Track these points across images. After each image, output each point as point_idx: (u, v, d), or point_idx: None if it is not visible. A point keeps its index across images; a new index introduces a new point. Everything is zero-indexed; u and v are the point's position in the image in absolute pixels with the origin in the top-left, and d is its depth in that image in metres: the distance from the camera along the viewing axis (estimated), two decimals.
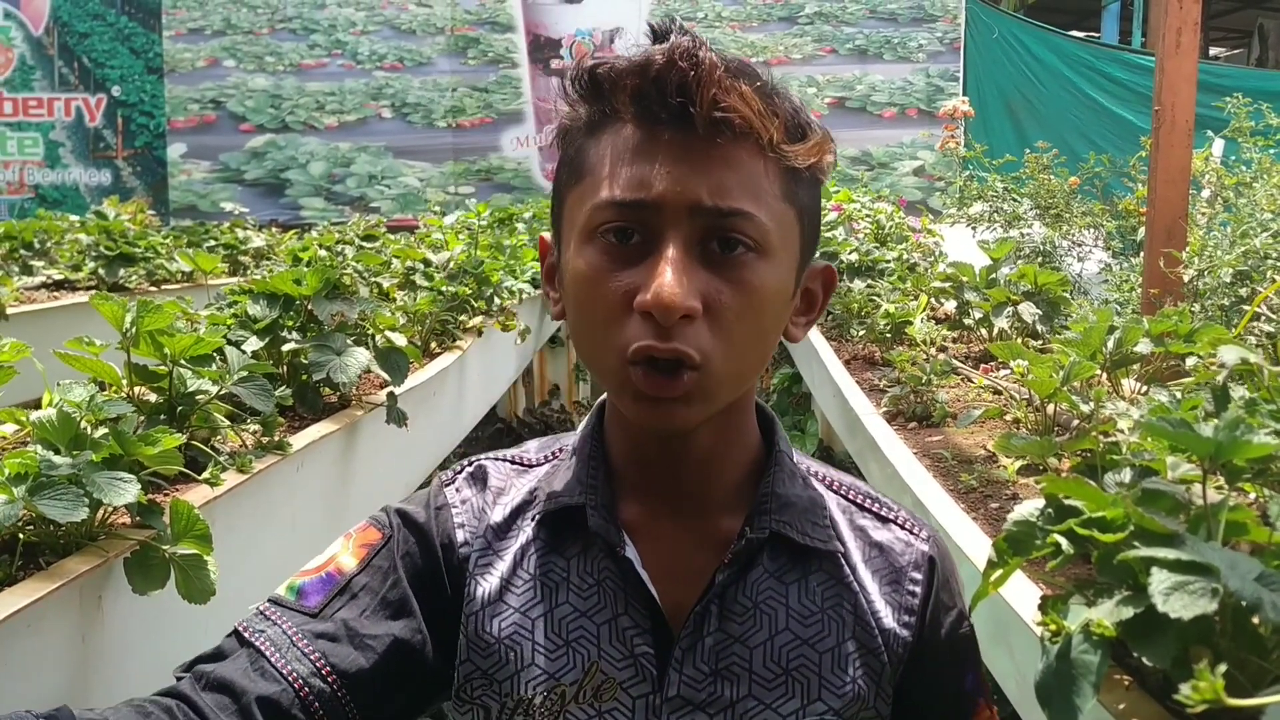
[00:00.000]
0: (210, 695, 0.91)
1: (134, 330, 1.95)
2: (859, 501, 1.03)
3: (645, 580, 0.93)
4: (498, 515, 1.01)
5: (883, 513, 1.02)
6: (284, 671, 0.92)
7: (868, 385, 3.30)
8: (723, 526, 0.97)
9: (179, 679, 0.93)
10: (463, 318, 3.68)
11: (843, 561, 0.98)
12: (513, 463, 1.06)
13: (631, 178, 0.86)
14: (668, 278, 0.83)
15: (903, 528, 1.02)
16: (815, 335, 4.36)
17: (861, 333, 3.99)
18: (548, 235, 1.01)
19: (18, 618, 1.25)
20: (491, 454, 1.08)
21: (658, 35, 0.88)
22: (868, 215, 6.09)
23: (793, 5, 11.69)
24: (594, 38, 11.62)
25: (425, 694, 1.00)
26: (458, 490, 1.03)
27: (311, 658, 0.93)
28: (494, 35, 11.80)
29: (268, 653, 0.93)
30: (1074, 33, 12.93)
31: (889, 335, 3.75)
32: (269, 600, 0.98)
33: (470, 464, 1.06)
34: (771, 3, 11.73)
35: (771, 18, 11.72)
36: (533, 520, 1.00)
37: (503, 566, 0.99)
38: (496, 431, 6.99)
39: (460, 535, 1.00)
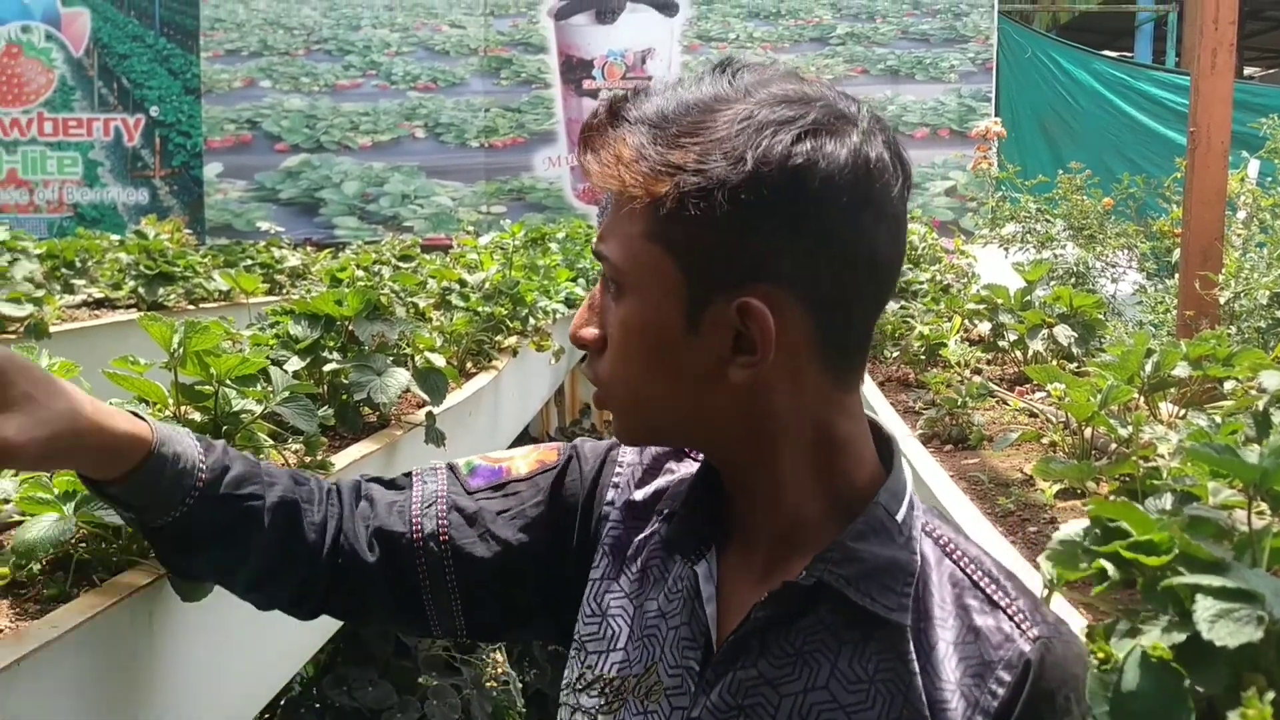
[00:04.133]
0: (361, 503, 1.12)
1: (181, 350, 1.98)
2: (974, 577, 0.94)
3: (704, 596, 0.96)
4: (639, 494, 1.08)
5: (995, 595, 0.93)
6: (414, 521, 1.09)
7: (902, 407, 3.30)
8: (794, 565, 0.95)
9: (355, 481, 1.16)
10: (498, 338, 3.71)
11: (908, 636, 0.91)
12: (692, 456, 1.10)
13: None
14: (579, 312, 0.97)
15: (1011, 618, 0.91)
16: None
17: (895, 354, 3.99)
18: None
19: (74, 633, 1.28)
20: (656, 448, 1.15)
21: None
22: None
23: (824, 26, 11.72)
24: (626, 59, 11.68)
25: (517, 617, 1.13)
26: (628, 456, 1.12)
27: (440, 523, 1.09)
28: (527, 56, 11.88)
29: (414, 499, 1.11)
30: (1107, 52, 12.89)
31: (923, 357, 3.75)
32: (449, 463, 1.15)
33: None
34: (803, 24, 11.76)
35: (803, 39, 11.75)
36: (660, 514, 1.05)
37: (628, 549, 1.06)
38: None
39: (609, 494, 1.09)
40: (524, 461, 1.13)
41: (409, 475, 1.15)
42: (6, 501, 1.66)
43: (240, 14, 12.06)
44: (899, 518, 0.94)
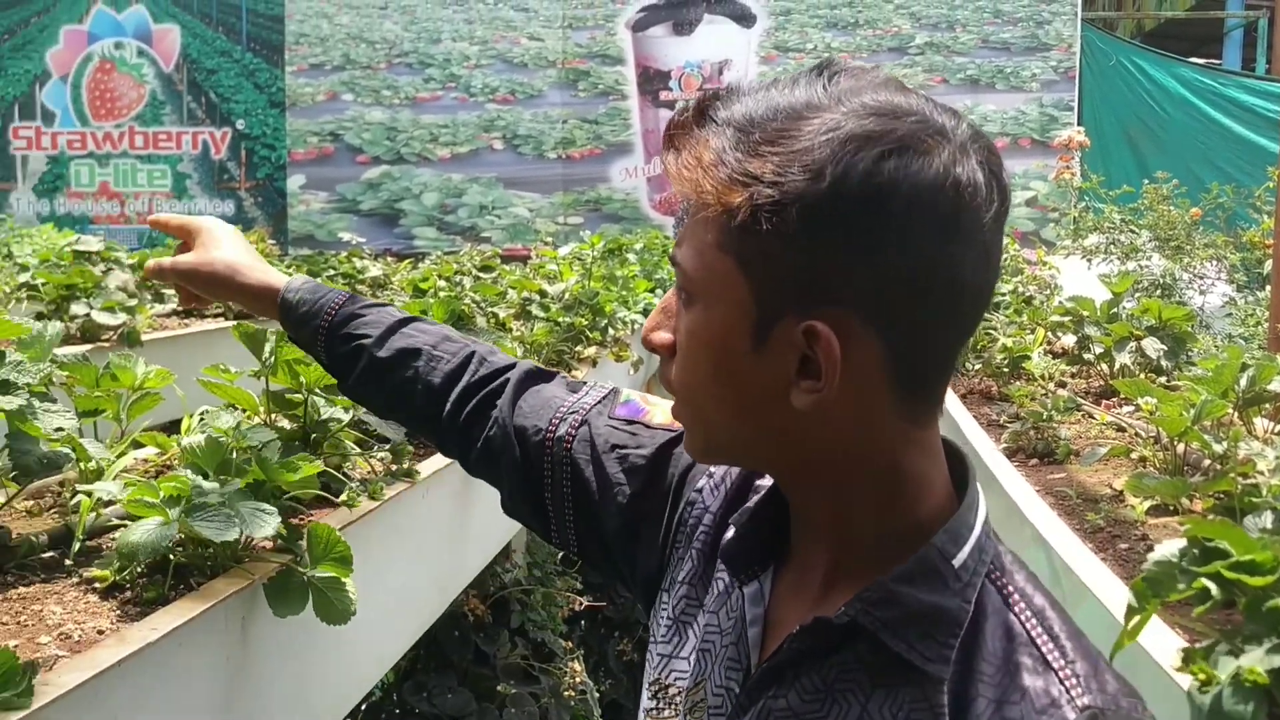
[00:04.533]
0: (532, 383, 1.25)
1: (273, 359, 2.02)
2: (1033, 634, 0.87)
3: (749, 618, 0.95)
4: (716, 502, 1.07)
5: (1050, 655, 0.85)
6: (553, 420, 1.19)
7: (985, 420, 3.26)
8: (844, 596, 0.90)
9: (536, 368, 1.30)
10: (578, 348, 3.73)
11: (944, 689, 0.84)
12: None
13: None
14: (651, 315, 0.97)
15: (1062, 682, 0.84)
16: None
17: (977, 366, 3.94)
18: None
19: (172, 636, 1.31)
20: None
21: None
22: None
23: (903, 36, 11.64)
24: (703, 70, 11.71)
25: (605, 556, 1.18)
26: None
27: (569, 430, 1.18)
28: (604, 68, 11.96)
29: (566, 402, 1.20)
30: (1194, 59, 12.64)
31: (1006, 370, 3.70)
32: (615, 387, 1.23)
33: None
34: (881, 33, 11.70)
35: (881, 48, 11.68)
36: (733, 526, 1.02)
37: (702, 557, 1.06)
38: None
39: (700, 481, 1.09)
40: (661, 414, 1.16)
41: (583, 383, 1.26)
42: (108, 504, 1.70)
43: (324, 29, 12.29)
44: (956, 562, 0.87)
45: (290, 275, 1.52)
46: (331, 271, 6.69)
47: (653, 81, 11.85)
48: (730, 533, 1.01)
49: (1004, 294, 4.96)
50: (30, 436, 1.59)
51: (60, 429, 1.57)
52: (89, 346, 3.81)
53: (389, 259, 8.77)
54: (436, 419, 1.30)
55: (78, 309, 3.98)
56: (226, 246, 1.49)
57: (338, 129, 12.25)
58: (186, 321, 5.04)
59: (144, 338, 4.13)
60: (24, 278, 4.41)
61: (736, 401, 0.89)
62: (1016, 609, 0.88)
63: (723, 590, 1.00)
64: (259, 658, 1.58)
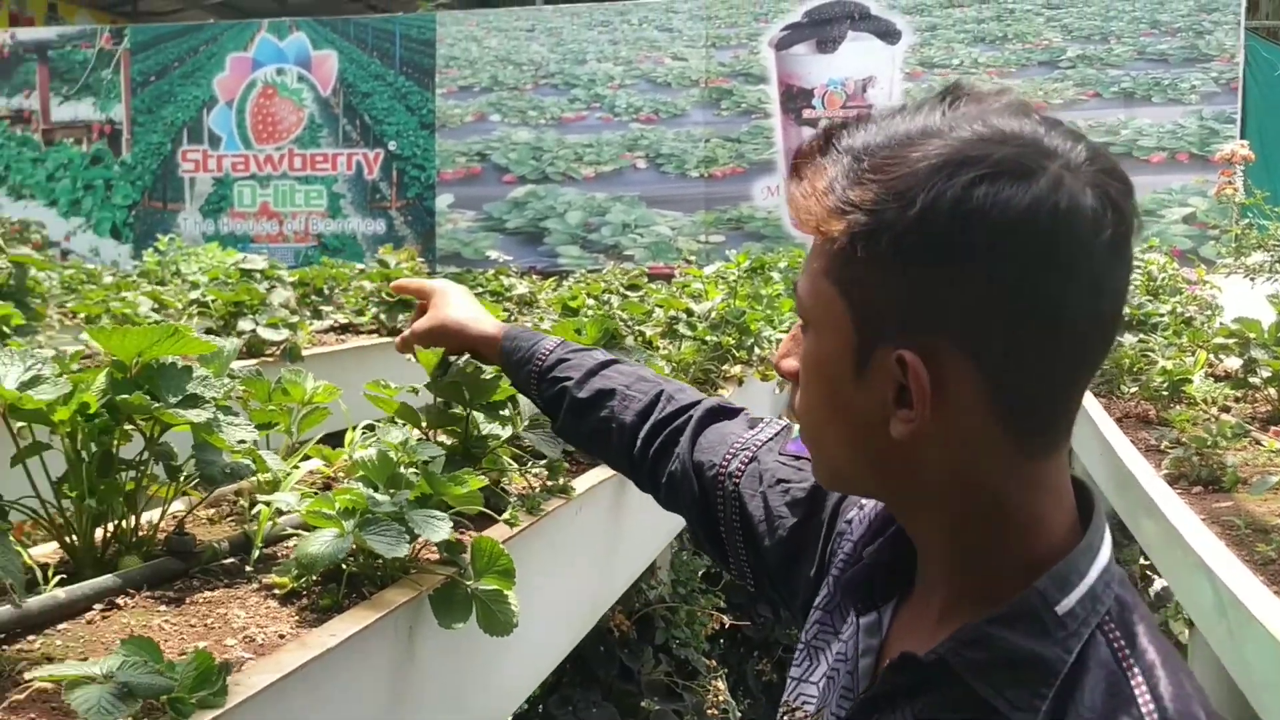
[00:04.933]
0: (707, 433, 1.32)
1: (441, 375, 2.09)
2: (1139, 697, 0.81)
3: (863, 648, 0.96)
4: (859, 532, 1.08)
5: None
6: (727, 454, 1.26)
7: (1144, 445, 3.17)
8: (947, 633, 0.88)
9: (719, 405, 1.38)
10: (724, 366, 3.75)
11: None
12: None
13: None
14: (782, 343, 0.99)
15: None
16: None
17: (1134, 390, 3.83)
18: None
19: (348, 642, 1.37)
20: None
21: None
22: (1138, 266, 5.84)
23: (1054, 49, 11.36)
24: (846, 87, 11.62)
25: (773, 586, 1.22)
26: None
27: (739, 465, 1.24)
28: (747, 87, 11.97)
29: (738, 441, 1.27)
30: None
31: (1165, 393, 3.59)
32: (790, 423, 1.23)
33: None
34: (1031, 47, 11.44)
35: (1031, 62, 11.42)
36: (864, 557, 1.04)
37: (838, 585, 1.06)
38: None
39: (851, 512, 1.11)
40: None
41: (762, 419, 1.32)
42: (282, 514, 1.78)
43: (473, 52, 12.59)
44: (1060, 608, 0.82)
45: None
46: (479, 289, 6.85)
47: (796, 100, 11.81)
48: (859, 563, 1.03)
49: (1163, 314, 4.81)
50: (215, 448, 1.68)
51: (243, 441, 1.65)
52: (254, 361, 3.98)
53: (534, 276, 8.93)
54: (629, 455, 1.40)
55: (244, 325, 4.17)
56: (455, 305, 1.76)
57: (485, 149, 12.52)
58: (343, 337, 5.22)
59: (304, 352, 4.31)
60: (195, 295, 4.63)
61: (847, 429, 0.90)
62: (1125, 665, 0.82)
63: (853, 619, 1.01)
64: (423, 666, 1.63)
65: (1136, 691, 0.80)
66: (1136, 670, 0.82)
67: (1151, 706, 0.79)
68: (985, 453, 0.85)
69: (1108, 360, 4.27)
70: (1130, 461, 2.96)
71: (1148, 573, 4.95)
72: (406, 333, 1.83)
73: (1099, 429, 3.52)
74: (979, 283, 0.80)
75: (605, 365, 1.52)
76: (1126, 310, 4.89)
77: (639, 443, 1.40)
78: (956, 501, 0.87)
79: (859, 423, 0.88)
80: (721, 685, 3.81)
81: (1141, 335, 4.49)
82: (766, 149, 11.87)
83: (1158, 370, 3.67)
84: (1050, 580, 0.83)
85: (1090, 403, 3.96)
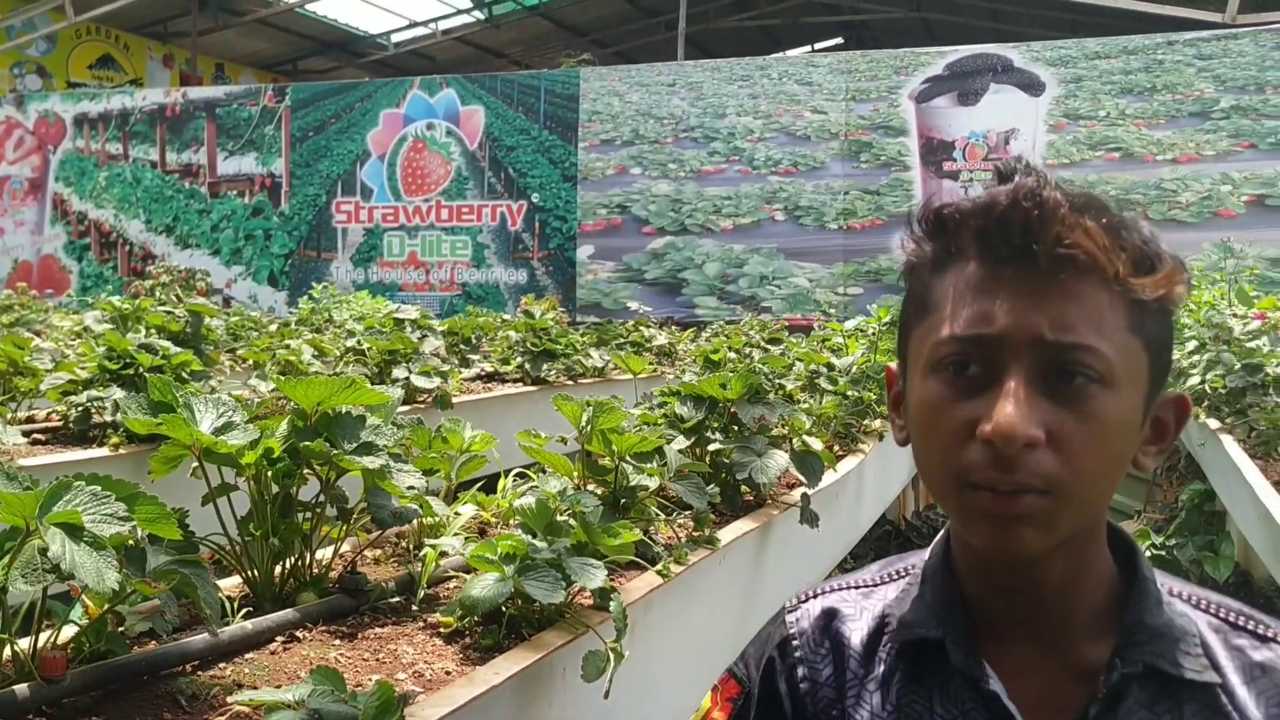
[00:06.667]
0: None
1: (589, 428, 2.17)
2: (1233, 620, 0.95)
3: (1015, 715, 0.91)
4: (855, 641, 1.02)
5: (1261, 630, 0.94)
6: None
7: None
8: (1087, 656, 0.93)
9: None
10: (865, 421, 3.76)
11: (1219, 692, 0.90)
12: (856, 588, 1.07)
13: (974, 313, 0.90)
14: (1009, 408, 0.86)
15: None
16: (1236, 452, 4.09)
17: None
18: (894, 366, 1.04)
19: (510, 681, 1.44)
20: (832, 584, 1.09)
21: (1003, 176, 0.93)
22: None
23: (1205, 100, 11.07)
24: (988, 139, 11.52)
25: None
26: (798, 620, 1.06)
27: None
28: (886, 139, 11.96)
29: None
30: None
31: None
32: None
33: (814, 594, 1.08)
34: (1181, 98, 11.17)
35: (1181, 113, 11.15)
36: (889, 649, 1.00)
37: (870, 699, 1.00)
38: (885, 534, 6.96)
39: (800, 670, 1.03)
40: (718, 711, 1.07)
41: None
42: (446, 556, 1.88)
43: (615, 106, 12.86)
44: (1159, 585, 0.96)
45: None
46: (620, 339, 6.98)
47: (936, 152, 11.75)
48: (881, 662, 1.00)
49: None
50: (386, 492, 1.79)
51: (412, 487, 1.75)
52: (408, 408, 4.14)
53: (673, 327, 9.03)
54: None
55: (399, 373, 4.34)
56: None
57: (625, 201, 12.75)
58: (489, 385, 5.39)
59: (454, 400, 4.46)
60: (350, 342, 4.84)
61: (1118, 477, 0.93)
62: (1205, 606, 0.96)
63: (922, 711, 0.97)
64: (575, 706, 1.70)
65: (1231, 619, 0.95)
66: (1213, 605, 0.96)
67: (1253, 623, 0.95)
68: None
69: (1265, 420, 4.14)
70: None
71: None
72: None
73: (1255, 491, 3.43)
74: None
75: None
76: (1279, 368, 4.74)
77: None
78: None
79: (1123, 469, 0.93)
80: None
81: None
82: (906, 201, 11.81)
83: None
84: (1146, 568, 0.96)
85: (1244, 463, 3.85)
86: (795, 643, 1.04)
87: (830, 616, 1.05)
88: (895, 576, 1.06)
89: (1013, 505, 0.87)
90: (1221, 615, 0.95)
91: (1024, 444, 0.85)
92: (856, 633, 1.02)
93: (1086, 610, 0.95)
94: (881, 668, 1.00)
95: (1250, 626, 0.94)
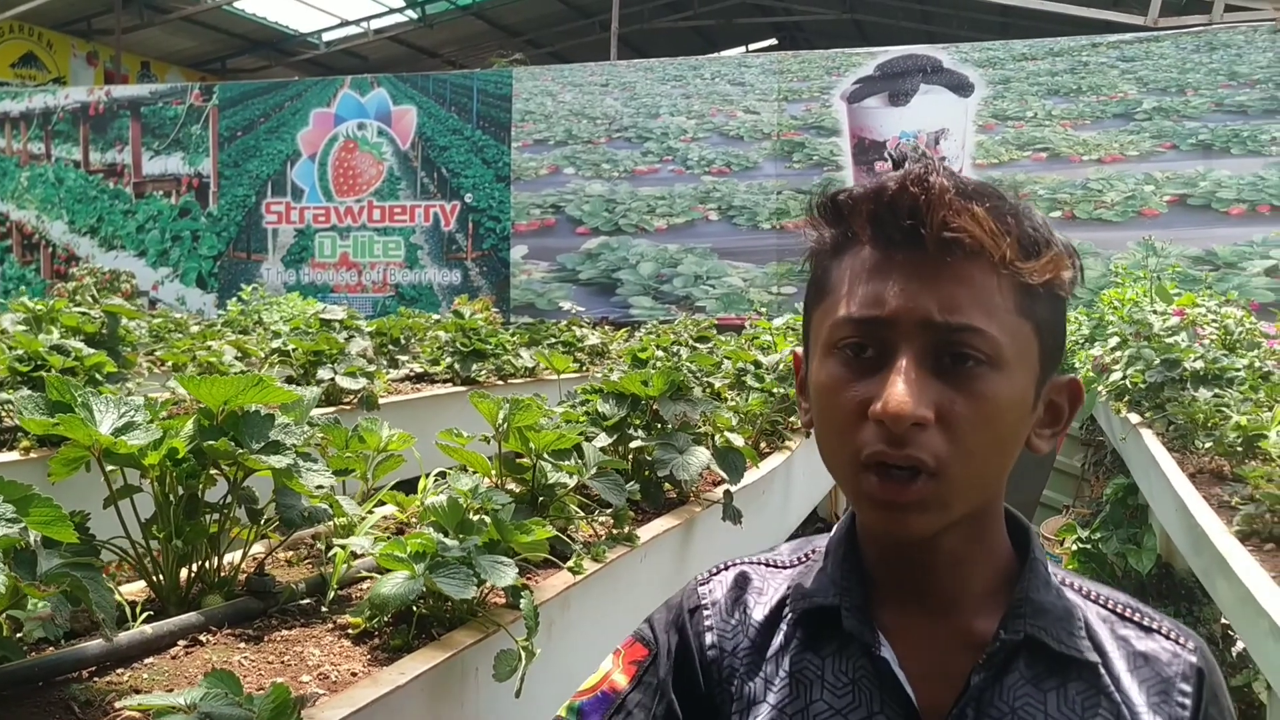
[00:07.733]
0: None
1: (506, 426, 2.15)
2: (1120, 611, 0.99)
3: (902, 680, 0.94)
4: (758, 615, 1.04)
5: (1145, 622, 0.98)
6: None
7: (1216, 501, 3.13)
8: (976, 629, 0.96)
9: None
10: (791, 418, 3.77)
11: (1102, 671, 0.94)
12: (767, 565, 1.09)
13: (867, 295, 0.92)
14: (899, 388, 0.88)
15: (1167, 638, 0.97)
16: (1155, 446, 4.16)
17: (1208, 445, 3.79)
18: (800, 351, 1.06)
19: (417, 681, 1.42)
20: (746, 557, 1.11)
21: (896, 164, 0.95)
22: (1214, 320, 5.77)
23: (1129, 102, 11.28)
24: (918, 139, 11.64)
25: None
26: (710, 591, 1.07)
27: None
28: (819, 140, 12.04)
29: None
30: None
31: (1240, 449, 3.55)
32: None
33: (726, 566, 1.09)
34: (1105, 100, 11.37)
35: (1105, 115, 11.35)
36: (789, 619, 1.02)
37: (765, 666, 1.01)
38: (816, 531, 6.99)
39: (709, 638, 1.04)
40: (619, 673, 1.05)
41: None
42: (357, 556, 1.85)
43: (548, 106, 12.83)
44: (1051, 572, 1.00)
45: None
46: (552, 339, 6.94)
47: (868, 152, 11.86)
48: (781, 631, 1.02)
49: (1239, 369, 4.73)
50: (295, 492, 1.76)
51: (321, 486, 1.72)
52: (333, 409, 4.09)
53: (606, 327, 9.02)
54: None
55: (324, 373, 4.28)
56: None
57: (559, 201, 12.72)
58: (418, 386, 5.33)
59: (381, 401, 4.41)
60: (276, 343, 4.77)
61: (1008, 461, 0.95)
62: (1093, 597, 1.00)
63: (814, 677, 0.98)
64: (487, 707, 1.68)
65: (1118, 610, 0.99)
66: (1100, 596, 1.00)
67: (1139, 615, 0.99)
68: None
69: (1182, 414, 4.22)
70: (1201, 518, 2.93)
71: (1229, 633, 4.83)
72: None
73: (1172, 484, 3.49)
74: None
75: None
76: (1200, 364, 4.84)
77: None
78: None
79: (1015, 450, 0.95)
80: None
81: (1217, 390, 4.43)
82: None
83: (1231, 425, 3.62)
84: (1039, 550, 1.00)
85: (1162, 457, 3.91)
86: (707, 612, 1.05)
87: (742, 588, 1.06)
88: (804, 559, 1.07)
89: (902, 493, 0.90)
90: (1109, 606, 1.00)
91: (913, 423, 0.87)
92: (760, 607, 1.04)
93: (980, 586, 0.98)
94: (780, 636, 1.02)
95: (1136, 618, 0.99)
